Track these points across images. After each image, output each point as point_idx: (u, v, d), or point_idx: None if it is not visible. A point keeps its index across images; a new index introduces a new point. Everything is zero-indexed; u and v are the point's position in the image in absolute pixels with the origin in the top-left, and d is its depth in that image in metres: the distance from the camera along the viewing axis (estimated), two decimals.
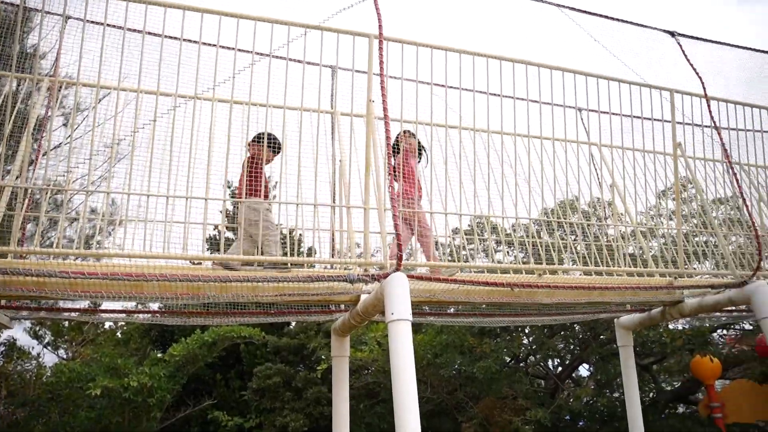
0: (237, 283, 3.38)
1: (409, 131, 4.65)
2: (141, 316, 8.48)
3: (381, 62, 3.98)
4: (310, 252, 4.29)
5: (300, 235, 5.40)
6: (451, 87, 4.48)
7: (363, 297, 4.10)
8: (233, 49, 3.95)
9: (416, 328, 10.01)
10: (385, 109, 3.82)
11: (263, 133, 4.22)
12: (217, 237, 4.12)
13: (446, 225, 4.42)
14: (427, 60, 4.33)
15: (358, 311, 4.12)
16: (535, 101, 4.55)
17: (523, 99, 4.49)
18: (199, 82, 3.82)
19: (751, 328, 11.05)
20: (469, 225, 5.68)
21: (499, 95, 4.52)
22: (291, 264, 4.11)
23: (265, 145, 4.22)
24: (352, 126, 4.36)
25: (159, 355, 10.64)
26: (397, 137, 4.58)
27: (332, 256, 4.46)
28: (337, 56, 4.17)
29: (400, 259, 3.50)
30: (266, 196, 4.15)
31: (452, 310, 6.81)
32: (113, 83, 3.89)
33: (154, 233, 3.63)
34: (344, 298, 4.19)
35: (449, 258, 4.44)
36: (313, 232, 4.09)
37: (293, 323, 11.76)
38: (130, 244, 3.61)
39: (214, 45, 3.89)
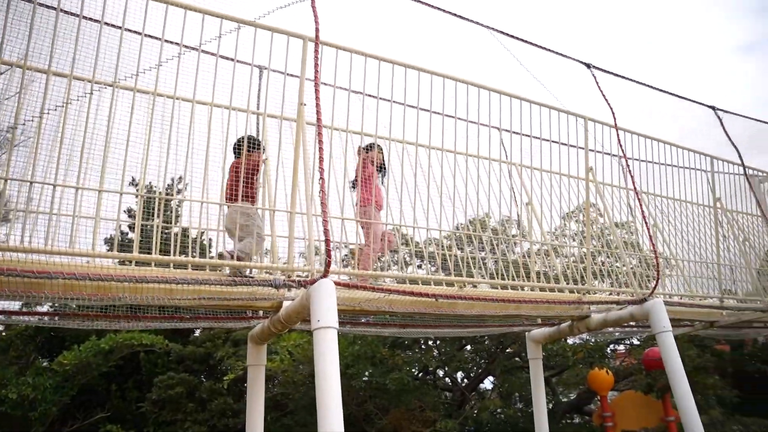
0: (153, 284, 3.16)
1: (380, 146, 4.60)
2: (29, 318, 7.73)
3: (316, 65, 3.92)
4: (223, 256, 4.10)
5: (210, 239, 5.18)
6: (382, 99, 4.52)
7: (285, 304, 3.98)
8: (159, 39, 3.75)
9: None
10: (318, 113, 3.76)
11: (244, 138, 4.14)
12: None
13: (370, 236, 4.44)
14: (361, 68, 4.34)
15: (279, 318, 3.99)
16: (458, 117, 4.67)
17: (442, 114, 4.61)
18: (121, 70, 3.58)
19: (639, 343, 11.93)
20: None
21: (423, 109, 4.60)
22: (209, 267, 3.91)
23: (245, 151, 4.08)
24: (281, 128, 4.25)
25: (45, 363, 9.78)
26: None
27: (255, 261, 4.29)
28: (270, 55, 4.08)
29: (328, 265, 3.44)
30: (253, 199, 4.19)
31: (364, 320, 6.77)
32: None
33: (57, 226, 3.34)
34: (266, 304, 4.05)
35: (375, 268, 4.43)
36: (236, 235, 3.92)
37: (198, 331, 11.25)
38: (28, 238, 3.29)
39: (139, 33, 3.67)
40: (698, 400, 11.11)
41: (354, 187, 4.56)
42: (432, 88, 4.57)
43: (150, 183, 4.28)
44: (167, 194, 4.18)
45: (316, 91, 3.93)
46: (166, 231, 3.92)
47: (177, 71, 3.78)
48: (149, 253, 3.47)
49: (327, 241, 3.49)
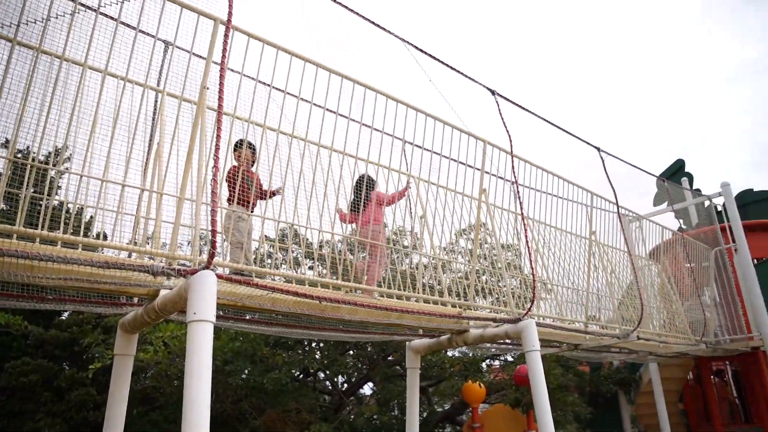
0: (11, 258, 2.87)
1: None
2: None
3: (224, 50, 3.79)
4: (102, 236, 3.83)
5: (91, 216, 4.83)
6: (289, 93, 4.47)
7: (163, 292, 3.78)
8: None
9: None
10: (220, 98, 3.63)
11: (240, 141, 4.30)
12: None
13: (262, 230, 4.34)
14: (271, 61, 4.26)
15: (155, 307, 3.78)
16: (363, 123, 4.72)
17: (348, 117, 4.63)
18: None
19: (512, 360, 12.63)
20: (280, 233, 5.63)
21: (329, 110, 4.60)
22: (83, 246, 3.63)
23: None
24: (180, 109, 4.05)
25: None
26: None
27: (134, 244, 4.04)
28: (176, 31, 3.89)
29: (212, 256, 3.31)
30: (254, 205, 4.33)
31: (249, 316, 6.61)
32: None
33: None
34: (141, 291, 3.83)
35: (260, 264, 4.34)
36: (116, 215, 3.67)
37: (66, 313, 10.39)
38: None
39: None
40: (558, 415, 12.01)
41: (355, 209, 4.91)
42: (341, 91, 4.57)
43: (27, 148, 3.92)
44: (45, 162, 3.84)
45: (221, 76, 3.79)
46: (40, 203, 3.60)
47: (69, 29, 3.50)
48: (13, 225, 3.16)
49: (213, 232, 3.36)
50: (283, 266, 6.02)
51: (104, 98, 3.78)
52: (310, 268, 7.76)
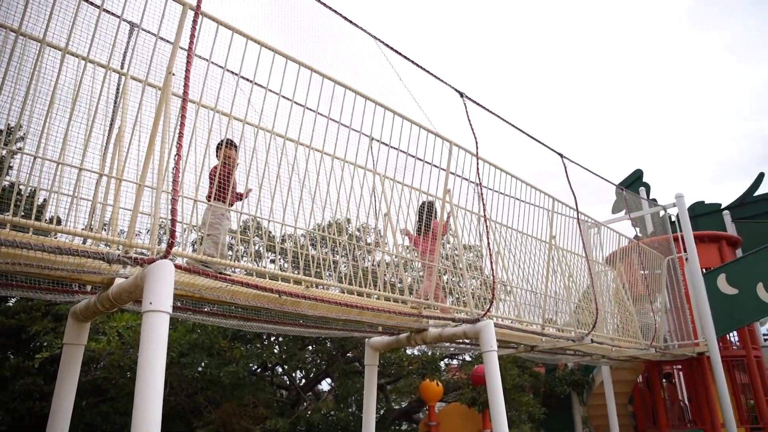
0: None
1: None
2: None
3: (192, 36, 3.71)
4: (56, 221, 3.70)
5: (44, 200, 4.69)
6: (257, 84, 4.42)
7: (118, 281, 3.68)
8: None
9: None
10: (186, 86, 3.55)
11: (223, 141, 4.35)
12: None
13: (238, 223, 4.28)
14: (240, 51, 4.20)
15: (109, 296, 3.67)
16: (330, 118, 4.70)
17: (316, 111, 4.61)
18: None
19: (470, 359, 12.79)
20: (241, 225, 5.56)
21: (297, 103, 4.57)
22: (54, 234, 3.51)
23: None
24: (143, 92, 3.95)
25: None
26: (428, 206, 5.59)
27: (90, 230, 3.92)
28: (143, 13, 3.80)
29: (171, 246, 3.25)
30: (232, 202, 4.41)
31: (207, 308, 6.52)
32: None
33: None
34: (95, 278, 3.72)
35: (222, 255, 4.27)
36: (72, 200, 3.56)
37: (13, 300, 10.02)
38: None
39: None
40: (513, 415, 12.24)
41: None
42: (310, 85, 4.54)
43: None
44: None
45: (188, 62, 3.71)
46: None
47: (27, 2, 3.37)
48: None
49: (173, 221, 3.29)
50: (244, 259, 5.94)
51: (63, 78, 3.66)
52: (272, 261, 7.69)
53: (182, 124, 3.54)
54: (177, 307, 5.71)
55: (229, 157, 4.47)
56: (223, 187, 4.26)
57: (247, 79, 4.37)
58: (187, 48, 3.74)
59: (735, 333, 12.28)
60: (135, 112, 4.05)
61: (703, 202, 14.97)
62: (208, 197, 4.22)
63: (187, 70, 3.67)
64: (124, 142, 4.12)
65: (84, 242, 3.73)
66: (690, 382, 11.98)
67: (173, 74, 3.85)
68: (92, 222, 3.77)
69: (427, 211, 5.54)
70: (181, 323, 9.29)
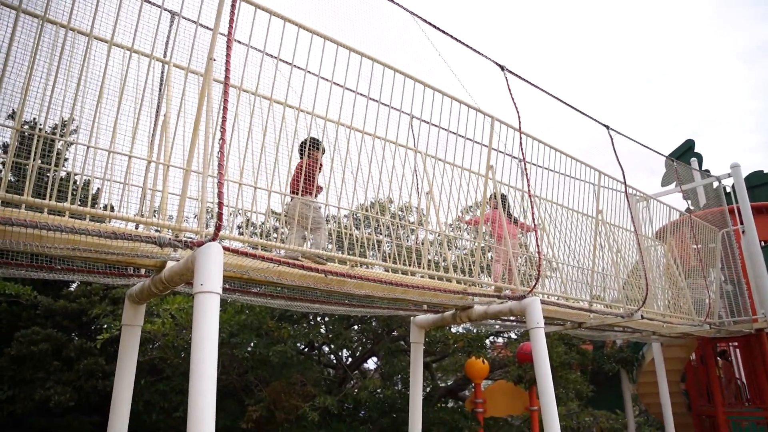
0: (20, 228, 2.90)
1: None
2: None
3: (231, 20, 3.75)
4: (110, 208, 3.86)
5: (98, 189, 4.87)
6: (296, 66, 4.43)
7: (170, 264, 3.81)
8: None
9: None
10: (227, 70, 3.60)
11: (309, 141, 4.62)
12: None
13: (268, 205, 4.34)
14: (279, 33, 4.22)
15: (162, 278, 3.81)
16: (370, 98, 4.68)
17: (355, 92, 4.59)
18: None
19: (516, 337, 12.71)
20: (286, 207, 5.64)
21: (336, 84, 4.57)
22: (108, 219, 3.66)
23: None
24: (186, 80, 4.03)
25: None
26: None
27: (141, 216, 4.06)
28: (182, 2, 3.86)
29: (218, 228, 3.33)
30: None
31: (255, 289, 6.67)
32: None
33: None
34: (148, 262, 3.86)
35: (267, 238, 4.35)
36: (123, 186, 3.68)
37: (74, 284, 10.50)
38: None
39: None
40: (560, 392, 12.13)
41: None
42: (348, 65, 4.53)
43: (34, 119, 3.92)
44: (52, 134, 3.84)
45: (228, 48, 3.76)
46: (47, 175, 3.61)
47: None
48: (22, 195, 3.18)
49: (220, 204, 3.37)
50: (289, 240, 6.03)
51: (110, 69, 3.77)
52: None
53: (225, 109, 3.60)
54: (226, 289, 5.88)
55: (315, 158, 4.72)
56: (309, 184, 4.58)
57: (286, 62, 4.40)
58: (226, 33, 3.79)
59: None
60: (179, 99, 4.15)
61: (762, 171, 14.26)
62: (294, 192, 4.50)
63: (228, 56, 3.72)
64: (170, 129, 4.23)
65: (136, 227, 3.87)
66: (747, 360, 11.57)
67: (214, 60, 3.90)
68: (143, 208, 3.90)
69: (502, 203, 5.86)
70: (230, 305, 9.56)
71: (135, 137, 3.75)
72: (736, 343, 12.49)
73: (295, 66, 4.42)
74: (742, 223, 10.55)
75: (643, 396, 13.31)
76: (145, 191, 3.90)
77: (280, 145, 4.58)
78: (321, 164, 4.74)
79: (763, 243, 10.97)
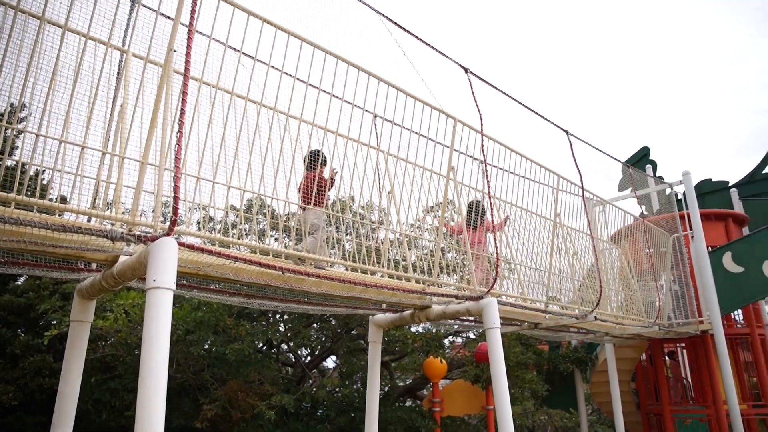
0: None
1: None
2: None
3: (193, 12, 3.67)
4: (63, 200, 3.73)
5: (49, 179, 4.70)
6: (259, 61, 4.38)
7: (122, 258, 3.70)
8: None
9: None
10: (187, 62, 3.52)
11: (315, 153, 4.78)
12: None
13: (227, 200, 4.27)
14: (242, 27, 4.15)
15: (113, 273, 3.70)
16: (333, 95, 4.66)
17: (318, 88, 4.56)
18: None
19: (474, 337, 12.87)
20: (247, 203, 5.55)
21: (300, 80, 4.53)
22: (58, 212, 3.52)
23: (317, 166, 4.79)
24: (144, 70, 3.93)
25: None
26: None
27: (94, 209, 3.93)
28: None
29: (173, 223, 3.25)
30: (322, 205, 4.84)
31: (213, 286, 6.55)
32: None
33: None
34: (99, 256, 3.74)
35: (224, 234, 4.28)
36: (75, 178, 3.56)
37: (21, 278, 10.12)
38: None
39: None
40: (516, 392, 12.34)
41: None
42: (312, 61, 4.50)
43: None
44: None
45: (189, 39, 3.68)
46: None
47: None
48: None
49: (176, 198, 3.30)
50: (249, 237, 5.95)
51: (65, 56, 3.64)
52: (276, 239, 7.71)
53: (184, 101, 3.52)
54: (183, 285, 5.76)
55: (320, 174, 4.87)
56: (319, 196, 4.78)
57: (249, 56, 4.34)
58: (188, 24, 3.71)
59: (739, 311, 12.27)
60: (137, 89, 4.04)
61: (711, 179, 14.84)
62: (305, 202, 4.70)
63: (189, 47, 3.64)
64: (127, 120, 4.11)
65: (89, 220, 3.74)
66: (693, 360, 12.03)
67: (174, 51, 3.81)
68: (96, 200, 3.78)
69: (475, 209, 5.94)
70: (186, 301, 9.38)
71: (89, 127, 3.63)
72: (683, 344, 12.97)
73: (258, 60, 4.37)
74: (691, 228, 10.95)
75: (596, 395, 13.67)
76: (98, 183, 3.78)
77: (241, 141, 4.51)
78: (331, 178, 4.93)
79: (710, 248, 11.42)
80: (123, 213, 3.80)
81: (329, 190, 4.96)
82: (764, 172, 14.55)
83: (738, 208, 13.96)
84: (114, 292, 8.54)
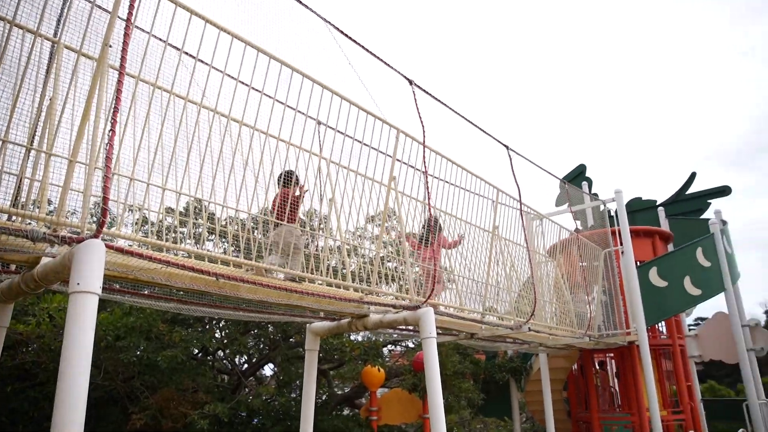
0: None
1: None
2: None
3: (131, 6, 3.55)
4: None
5: None
6: (201, 61, 4.29)
7: (44, 260, 3.52)
8: None
9: (100, 305, 9.03)
10: (123, 58, 3.41)
11: (288, 173, 4.86)
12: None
13: (161, 203, 4.14)
14: (184, 25, 4.06)
15: (34, 275, 3.51)
16: (276, 99, 4.62)
17: (261, 92, 4.50)
18: None
19: (413, 346, 12.98)
20: (184, 207, 5.41)
21: (242, 83, 4.47)
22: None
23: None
24: (77, 63, 3.77)
25: None
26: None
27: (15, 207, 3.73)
28: None
29: (102, 224, 3.13)
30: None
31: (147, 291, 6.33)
32: None
33: None
34: (17, 257, 3.54)
35: (157, 237, 4.15)
36: None
37: None
38: None
39: None
40: (453, 400, 12.49)
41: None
42: (256, 65, 4.45)
43: None
44: None
45: (126, 35, 3.56)
46: None
47: None
48: None
49: (105, 199, 3.17)
50: (188, 242, 5.79)
51: None
52: (215, 244, 7.53)
53: (118, 99, 3.40)
54: (115, 290, 5.53)
55: (293, 194, 4.98)
56: (292, 212, 4.91)
57: (191, 55, 4.25)
58: (125, 18, 3.59)
59: (663, 323, 12.93)
60: (67, 83, 3.87)
61: (641, 198, 15.62)
62: (278, 218, 4.78)
63: (125, 43, 3.53)
64: (56, 115, 3.93)
65: (9, 219, 3.54)
66: (621, 370, 12.56)
67: (110, 46, 3.68)
68: (20, 198, 3.58)
69: (432, 225, 6.06)
70: (118, 306, 9.00)
71: (12, 119, 3.45)
72: (611, 355, 13.52)
73: (199, 60, 4.28)
74: (621, 244, 11.47)
75: (530, 403, 14.05)
76: (20, 180, 3.59)
77: (181, 143, 4.39)
78: (301, 195, 5.05)
79: (638, 263, 11.99)
80: (49, 213, 3.62)
81: (300, 205, 5.09)
82: (687, 192, 15.44)
83: (664, 225, 14.76)
84: (38, 296, 8.09)
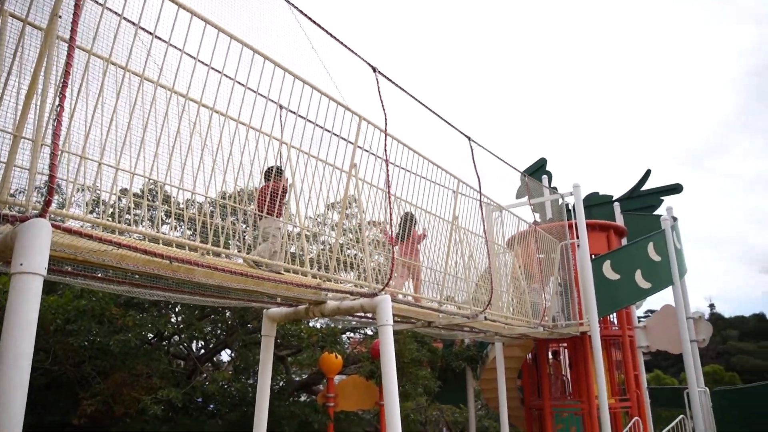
0: None
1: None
2: None
3: None
4: None
5: None
6: (158, 38, 4.16)
7: None
8: None
9: (50, 287, 8.74)
10: (73, 30, 3.28)
11: (273, 167, 5.00)
12: None
13: (114, 182, 4.02)
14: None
15: None
16: (237, 81, 4.53)
17: (221, 73, 4.41)
18: None
19: (372, 333, 13.05)
20: (140, 189, 5.27)
21: (202, 62, 4.36)
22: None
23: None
24: (23, 33, 3.60)
25: None
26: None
27: None
28: None
29: (48, 203, 3.02)
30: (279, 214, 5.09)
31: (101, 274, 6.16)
32: None
33: None
34: None
35: (111, 219, 4.03)
36: None
37: None
38: None
39: None
40: (410, 388, 12.62)
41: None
42: (216, 44, 4.34)
43: None
44: None
45: (77, 5, 3.42)
46: None
47: None
48: None
49: (51, 177, 3.06)
50: (144, 224, 5.64)
51: None
52: (175, 228, 7.36)
53: (67, 73, 3.27)
54: (66, 272, 5.36)
55: (280, 185, 5.05)
56: (277, 207, 5.00)
57: (147, 31, 4.10)
58: None
59: (614, 314, 13.36)
60: (13, 54, 3.69)
61: (598, 193, 16.01)
62: (261, 211, 4.84)
63: (76, 14, 3.39)
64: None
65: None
66: (573, 359, 12.93)
67: (60, 17, 3.53)
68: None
69: (407, 221, 6.33)
70: (68, 288, 8.74)
71: None
72: (565, 344, 13.90)
73: (156, 37, 4.15)
74: (578, 237, 11.75)
75: (485, 391, 14.33)
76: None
77: (136, 123, 4.26)
78: (285, 188, 5.12)
79: (593, 256, 12.32)
80: None
81: (283, 198, 5.14)
82: (642, 189, 15.91)
83: (619, 220, 15.18)
84: None
